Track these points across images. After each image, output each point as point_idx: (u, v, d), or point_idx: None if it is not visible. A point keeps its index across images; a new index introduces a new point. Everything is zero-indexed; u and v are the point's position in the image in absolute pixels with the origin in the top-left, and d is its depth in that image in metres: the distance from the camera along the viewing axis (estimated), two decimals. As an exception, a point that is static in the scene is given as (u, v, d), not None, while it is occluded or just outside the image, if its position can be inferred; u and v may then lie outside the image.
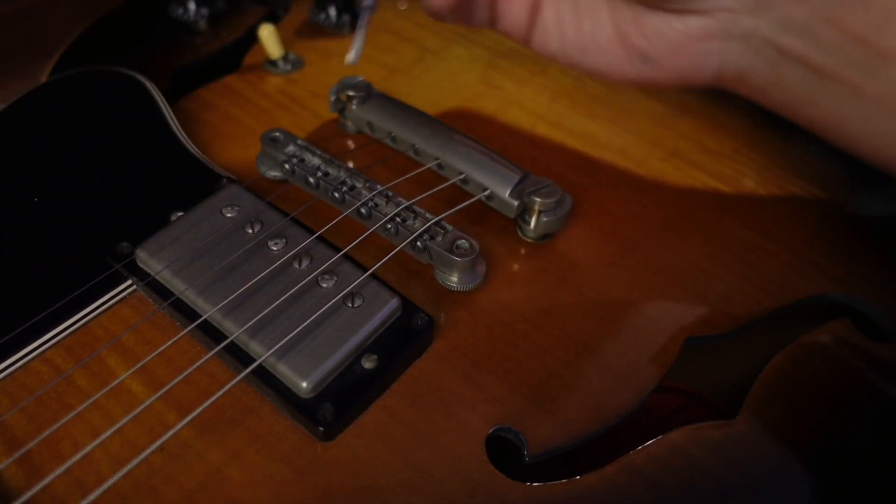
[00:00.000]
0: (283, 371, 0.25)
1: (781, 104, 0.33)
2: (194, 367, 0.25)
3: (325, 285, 0.27)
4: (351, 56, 0.31)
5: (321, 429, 0.24)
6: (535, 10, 0.36)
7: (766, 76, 0.32)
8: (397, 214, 0.30)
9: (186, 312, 0.27)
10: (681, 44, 0.32)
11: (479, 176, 0.32)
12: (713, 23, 0.31)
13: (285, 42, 0.41)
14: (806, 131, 0.32)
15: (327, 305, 0.26)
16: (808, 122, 0.33)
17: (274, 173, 0.33)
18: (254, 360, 0.25)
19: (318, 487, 0.24)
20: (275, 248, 0.28)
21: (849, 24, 0.29)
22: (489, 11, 0.36)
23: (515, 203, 0.31)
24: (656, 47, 0.32)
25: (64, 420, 0.24)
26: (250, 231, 0.29)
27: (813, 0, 0.29)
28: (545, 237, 0.33)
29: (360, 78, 0.36)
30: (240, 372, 0.25)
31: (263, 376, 0.25)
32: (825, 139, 0.33)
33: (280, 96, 0.39)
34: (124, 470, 0.22)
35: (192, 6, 0.44)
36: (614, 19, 0.33)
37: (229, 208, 0.30)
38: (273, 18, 0.46)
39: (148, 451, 0.23)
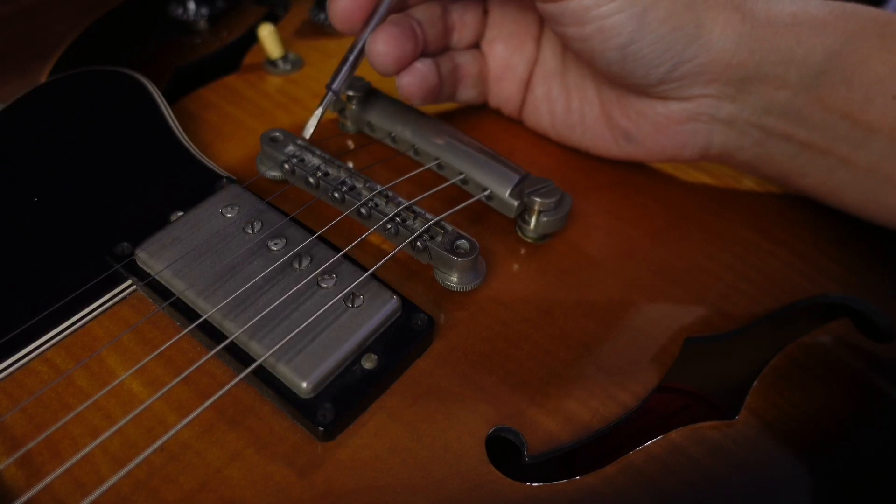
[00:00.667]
0: (283, 371, 0.25)
1: (771, 176, 0.33)
2: (194, 367, 0.25)
3: (325, 285, 0.27)
4: (308, 131, 0.32)
5: (321, 429, 0.24)
6: (525, 88, 0.36)
7: (754, 152, 0.32)
8: (397, 214, 0.30)
9: (186, 313, 0.27)
10: (663, 125, 0.32)
11: (479, 176, 0.32)
12: (694, 107, 0.31)
13: (285, 42, 0.41)
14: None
15: (327, 305, 0.26)
16: (801, 190, 0.33)
17: (274, 173, 0.33)
18: (254, 361, 0.25)
19: (319, 487, 0.24)
20: (275, 249, 0.28)
21: (832, 102, 0.29)
22: (476, 89, 0.37)
23: (515, 203, 0.31)
24: (639, 128, 0.33)
25: (64, 420, 0.24)
26: (250, 231, 0.29)
27: (795, 83, 0.29)
28: (545, 237, 0.33)
29: (361, 77, 0.36)
30: (240, 372, 0.25)
31: (263, 376, 0.25)
32: (822, 203, 0.33)
33: (280, 96, 0.39)
34: (124, 470, 0.22)
35: (191, 6, 0.44)
36: (600, 99, 0.34)
37: (229, 208, 0.30)
38: (273, 18, 0.46)
39: (148, 452, 0.23)
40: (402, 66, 0.31)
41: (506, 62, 0.36)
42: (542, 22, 0.35)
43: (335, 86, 0.31)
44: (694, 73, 0.29)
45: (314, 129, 0.32)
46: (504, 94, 0.36)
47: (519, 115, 0.37)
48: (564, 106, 0.35)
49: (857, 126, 0.29)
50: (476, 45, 0.36)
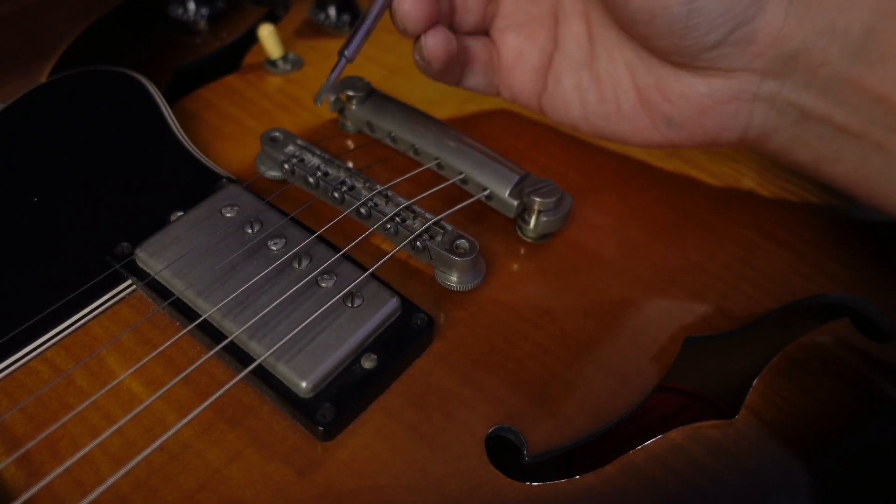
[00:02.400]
0: (283, 371, 0.25)
1: (805, 162, 0.32)
2: (194, 366, 0.25)
3: (324, 285, 0.27)
4: (319, 98, 0.31)
5: (321, 429, 0.24)
6: (541, 77, 0.35)
7: (791, 135, 0.31)
8: (397, 214, 0.30)
9: (186, 312, 0.27)
10: (706, 106, 0.31)
11: (479, 176, 0.32)
12: (737, 84, 0.30)
13: (285, 42, 0.41)
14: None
15: (327, 305, 0.26)
16: (831, 179, 0.32)
17: (274, 173, 0.33)
18: (253, 360, 0.25)
19: (318, 487, 0.24)
20: (274, 248, 0.28)
21: (868, 83, 0.29)
22: (484, 77, 0.35)
23: (515, 203, 0.31)
24: (681, 111, 0.32)
25: (63, 420, 0.24)
26: (250, 231, 0.29)
27: (833, 61, 0.29)
28: (545, 237, 0.33)
29: (361, 78, 0.36)
30: (239, 372, 0.25)
31: (263, 376, 0.25)
32: (849, 195, 0.32)
33: (280, 96, 0.39)
34: (124, 470, 0.22)
35: (191, 6, 0.44)
36: (636, 85, 0.33)
37: (229, 208, 0.30)
38: (273, 18, 0.46)
39: (147, 451, 0.23)
40: (429, 25, 0.31)
41: (517, 51, 0.35)
42: (558, 13, 0.35)
43: (349, 52, 0.30)
44: (747, 39, 0.29)
45: (325, 96, 0.31)
46: (517, 84, 0.36)
47: (538, 106, 0.36)
48: (597, 96, 0.34)
49: (892, 110, 0.29)
50: (487, 34, 0.36)
